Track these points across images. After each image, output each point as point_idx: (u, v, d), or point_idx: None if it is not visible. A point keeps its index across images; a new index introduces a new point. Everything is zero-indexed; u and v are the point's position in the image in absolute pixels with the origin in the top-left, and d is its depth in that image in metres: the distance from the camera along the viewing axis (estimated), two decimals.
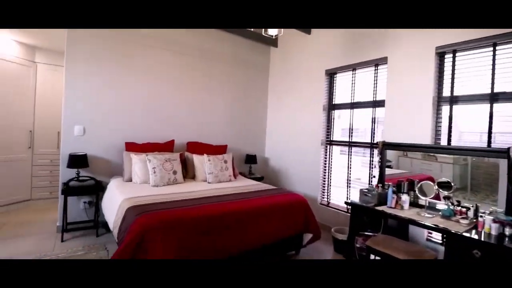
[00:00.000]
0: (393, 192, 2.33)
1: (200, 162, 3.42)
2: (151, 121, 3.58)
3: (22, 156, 3.88)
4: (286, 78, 4.27)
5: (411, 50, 2.67)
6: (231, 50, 4.22)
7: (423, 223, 1.95)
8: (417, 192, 2.33)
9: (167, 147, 3.53)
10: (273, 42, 4.37)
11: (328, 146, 3.70)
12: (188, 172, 3.49)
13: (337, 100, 3.64)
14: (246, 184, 3.24)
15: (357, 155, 3.40)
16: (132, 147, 3.30)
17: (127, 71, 3.37)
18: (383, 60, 2.94)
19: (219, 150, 3.85)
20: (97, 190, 3.01)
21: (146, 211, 1.96)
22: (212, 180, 3.26)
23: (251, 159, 4.26)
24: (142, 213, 1.93)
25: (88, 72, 3.12)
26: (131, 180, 3.06)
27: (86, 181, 3.03)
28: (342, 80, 3.56)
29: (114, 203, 2.44)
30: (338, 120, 3.70)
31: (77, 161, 2.97)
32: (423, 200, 2.28)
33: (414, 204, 2.37)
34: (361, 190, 2.61)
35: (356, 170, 3.40)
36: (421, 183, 2.32)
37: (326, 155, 3.71)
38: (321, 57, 3.68)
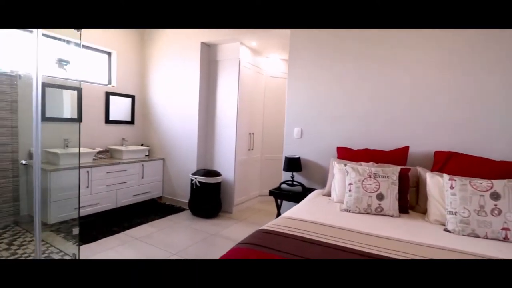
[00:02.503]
0: None
1: (438, 187, 1.98)
2: (377, 120, 2.71)
3: (280, 156, 4.72)
4: None
5: None
6: None
7: None
8: None
9: (395, 157, 2.47)
10: None
11: None
12: (419, 201, 2.18)
13: None
14: None
15: None
16: (344, 153, 2.72)
17: (344, 70, 2.84)
18: None
19: (505, 170, 2.00)
20: (300, 198, 2.83)
21: (257, 245, 1.42)
22: (457, 227, 1.74)
23: None
24: (250, 245, 1.42)
25: (305, 77, 3.06)
26: (329, 195, 2.51)
27: (295, 186, 2.97)
28: None
29: None
30: None
31: (291, 164, 3.00)
32: None
33: None
34: None
35: None
36: None
37: None
38: None
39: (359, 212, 2.07)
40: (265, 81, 4.54)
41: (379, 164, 2.41)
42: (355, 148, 2.75)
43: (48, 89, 3.29)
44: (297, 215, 1.94)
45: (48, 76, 3.25)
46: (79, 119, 3.74)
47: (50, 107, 3.34)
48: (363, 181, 2.14)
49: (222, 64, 3.92)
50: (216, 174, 3.75)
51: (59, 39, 3.33)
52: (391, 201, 2.04)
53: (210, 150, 4.06)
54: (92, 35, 3.82)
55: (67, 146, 3.47)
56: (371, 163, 2.43)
